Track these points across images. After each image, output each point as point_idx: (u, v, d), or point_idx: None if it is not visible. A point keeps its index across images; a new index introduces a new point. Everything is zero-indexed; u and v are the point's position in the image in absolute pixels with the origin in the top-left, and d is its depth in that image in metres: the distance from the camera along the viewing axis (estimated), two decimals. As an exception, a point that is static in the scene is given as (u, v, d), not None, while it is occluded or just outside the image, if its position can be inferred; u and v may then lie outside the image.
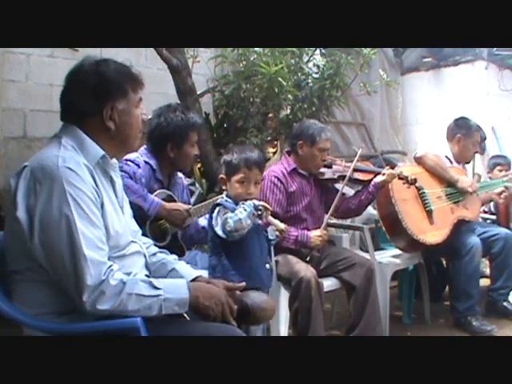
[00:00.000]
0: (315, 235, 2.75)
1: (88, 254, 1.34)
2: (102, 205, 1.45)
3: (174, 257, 1.79)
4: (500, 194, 3.69)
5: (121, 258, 1.49)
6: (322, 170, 3.00)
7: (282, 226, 2.16)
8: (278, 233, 2.18)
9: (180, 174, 2.62)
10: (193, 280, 1.66)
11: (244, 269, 2.03)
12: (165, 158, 2.43)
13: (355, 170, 2.99)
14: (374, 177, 2.97)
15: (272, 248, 2.62)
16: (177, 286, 1.48)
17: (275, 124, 4.00)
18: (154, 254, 1.75)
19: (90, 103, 1.49)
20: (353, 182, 3.04)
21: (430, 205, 3.24)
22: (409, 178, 2.99)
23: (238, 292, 1.70)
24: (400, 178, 2.99)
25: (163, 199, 2.33)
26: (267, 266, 2.16)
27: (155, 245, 1.83)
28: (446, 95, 5.99)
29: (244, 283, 1.79)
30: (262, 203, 2.09)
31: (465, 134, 3.53)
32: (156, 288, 1.43)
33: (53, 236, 1.35)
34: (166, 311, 1.43)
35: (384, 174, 2.93)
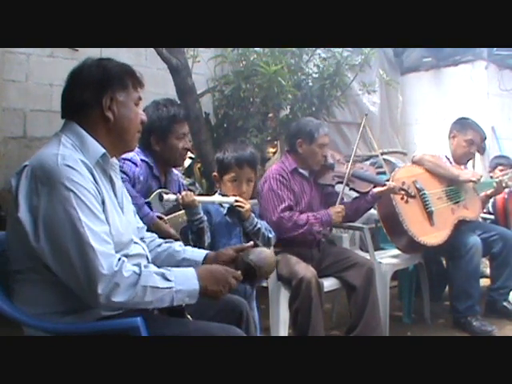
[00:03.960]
0: (335, 212, 2.81)
1: (96, 247, 1.34)
2: (103, 202, 1.46)
3: (179, 243, 1.81)
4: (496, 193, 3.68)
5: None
6: (323, 172, 3.00)
7: (232, 198, 2.16)
8: (239, 207, 2.17)
9: (176, 171, 2.60)
10: (204, 258, 1.74)
11: None
12: (155, 153, 2.42)
13: (356, 177, 2.98)
14: (374, 187, 2.98)
15: (271, 248, 2.63)
16: (187, 277, 1.49)
17: (275, 124, 4.00)
18: (160, 245, 1.77)
19: (91, 93, 1.50)
20: (351, 190, 3.06)
21: (430, 206, 3.24)
22: (409, 191, 2.99)
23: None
24: (401, 189, 2.99)
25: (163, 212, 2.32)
26: None
27: None
28: (446, 95, 5.99)
29: (251, 242, 1.85)
30: (237, 200, 2.11)
31: (459, 131, 3.54)
32: (168, 280, 1.44)
33: (59, 234, 1.35)
34: (177, 302, 1.44)
35: (384, 186, 2.94)
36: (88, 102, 1.50)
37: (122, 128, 1.54)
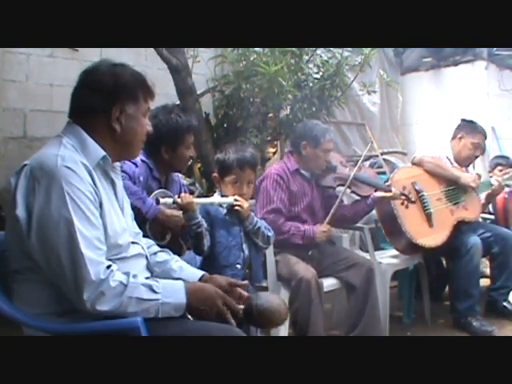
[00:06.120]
0: (320, 230, 2.79)
1: (86, 253, 1.34)
2: (101, 204, 1.45)
3: (177, 258, 1.79)
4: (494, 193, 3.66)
5: (123, 260, 1.49)
6: (324, 174, 3.00)
7: (231, 198, 2.16)
8: (237, 207, 2.16)
9: (177, 173, 2.60)
10: (199, 280, 1.70)
11: (210, 268, 1.96)
12: (161, 160, 2.42)
13: (358, 180, 2.99)
14: (375, 191, 2.98)
15: (271, 248, 2.63)
16: (175, 290, 1.48)
17: (275, 124, 4.00)
18: (155, 254, 1.75)
19: (101, 101, 1.49)
20: (352, 193, 3.07)
21: (429, 208, 3.23)
22: (410, 197, 3.00)
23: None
24: (402, 194, 3.01)
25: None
26: (238, 266, 2.18)
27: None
28: (446, 95, 5.99)
29: (247, 281, 1.82)
30: (237, 199, 2.12)
31: (467, 133, 3.53)
32: (155, 292, 1.43)
33: (51, 235, 1.35)
34: (162, 315, 1.44)
35: (386, 191, 2.96)
36: (96, 109, 1.50)
37: (127, 140, 1.55)
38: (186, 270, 1.75)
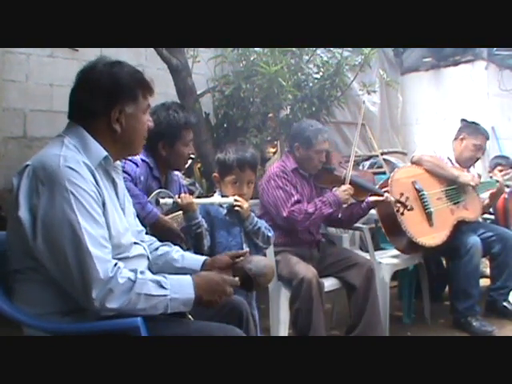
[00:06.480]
0: (341, 190, 2.84)
1: (93, 252, 1.34)
2: (104, 204, 1.45)
3: (177, 248, 1.80)
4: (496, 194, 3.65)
5: (125, 260, 1.49)
6: (322, 175, 3.00)
7: (231, 198, 2.17)
8: (237, 208, 2.17)
9: (176, 172, 2.60)
10: (201, 265, 1.74)
11: None
12: (159, 157, 2.42)
13: (354, 183, 2.97)
14: (371, 195, 2.96)
15: (271, 248, 2.63)
16: (183, 285, 1.48)
17: (275, 124, 4.00)
18: (157, 249, 1.76)
19: (100, 104, 1.49)
20: None
21: (429, 207, 3.23)
22: (406, 204, 2.95)
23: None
24: (398, 202, 2.96)
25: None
26: None
27: None
28: (446, 95, 5.99)
29: (247, 249, 1.87)
30: (237, 200, 2.12)
31: (469, 134, 3.52)
32: (164, 288, 1.43)
33: (57, 235, 1.35)
34: (171, 310, 1.44)
35: (381, 196, 2.92)
36: (96, 110, 1.50)
37: (129, 138, 1.55)
38: (188, 258, 1.78)
